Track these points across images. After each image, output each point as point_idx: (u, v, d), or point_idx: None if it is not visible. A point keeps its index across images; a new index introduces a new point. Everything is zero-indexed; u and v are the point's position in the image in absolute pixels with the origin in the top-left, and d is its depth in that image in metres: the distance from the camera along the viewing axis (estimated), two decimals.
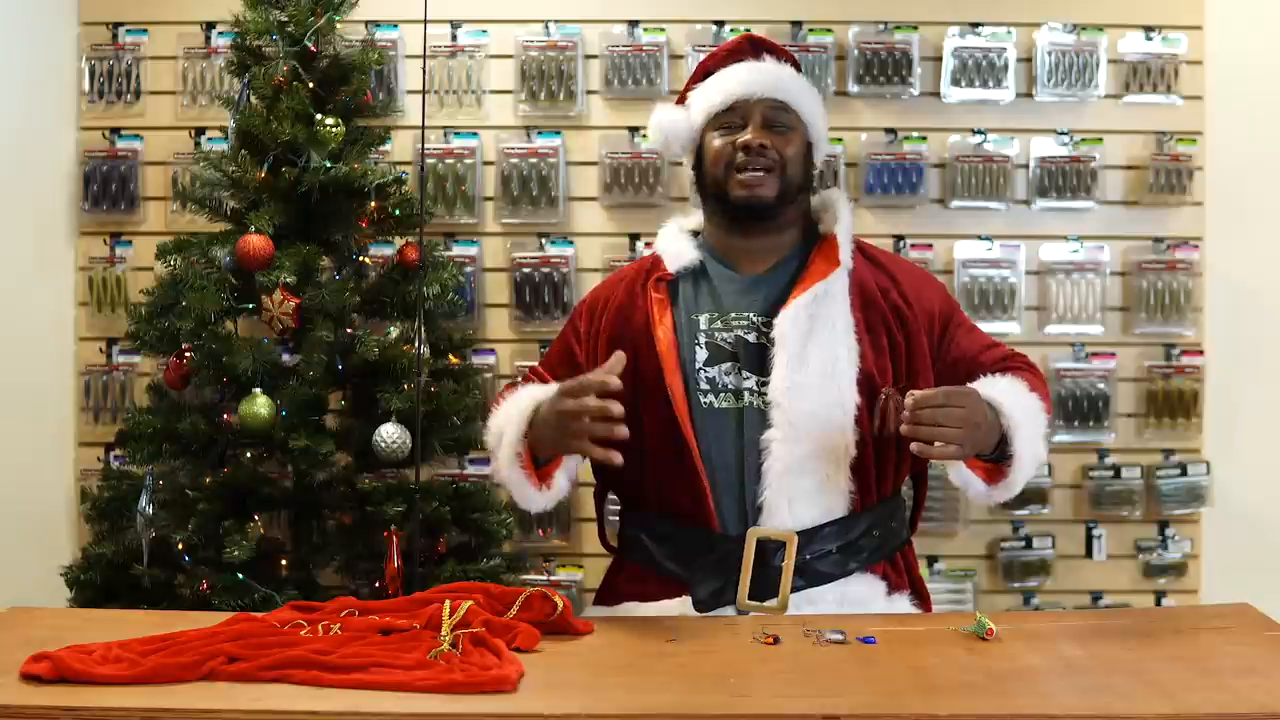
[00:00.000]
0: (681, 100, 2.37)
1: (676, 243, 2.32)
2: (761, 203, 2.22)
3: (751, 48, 2.35)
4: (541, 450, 2.13)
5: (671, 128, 2.35)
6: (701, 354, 2.19)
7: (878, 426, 2.13)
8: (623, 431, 1.97)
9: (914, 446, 1.96)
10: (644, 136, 3.48)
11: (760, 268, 2.27)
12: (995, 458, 2.11)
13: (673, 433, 2.12)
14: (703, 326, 2.21)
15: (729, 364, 2.18)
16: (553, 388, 2.10)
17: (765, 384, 2.14)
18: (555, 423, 2.04)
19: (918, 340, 2.22)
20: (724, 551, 2.11)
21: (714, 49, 2.46)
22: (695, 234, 2.37)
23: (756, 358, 2.16)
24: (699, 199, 2.39)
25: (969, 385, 2.10)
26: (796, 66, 2.36)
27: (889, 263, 2.32)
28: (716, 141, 2.26)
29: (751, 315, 2.20)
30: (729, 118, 2.26)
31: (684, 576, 2.14)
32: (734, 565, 2.07)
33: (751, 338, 2.18)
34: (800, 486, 2.11)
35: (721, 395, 2.17)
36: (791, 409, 2.11)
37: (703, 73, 2.36)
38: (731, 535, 2.12)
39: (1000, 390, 2.10)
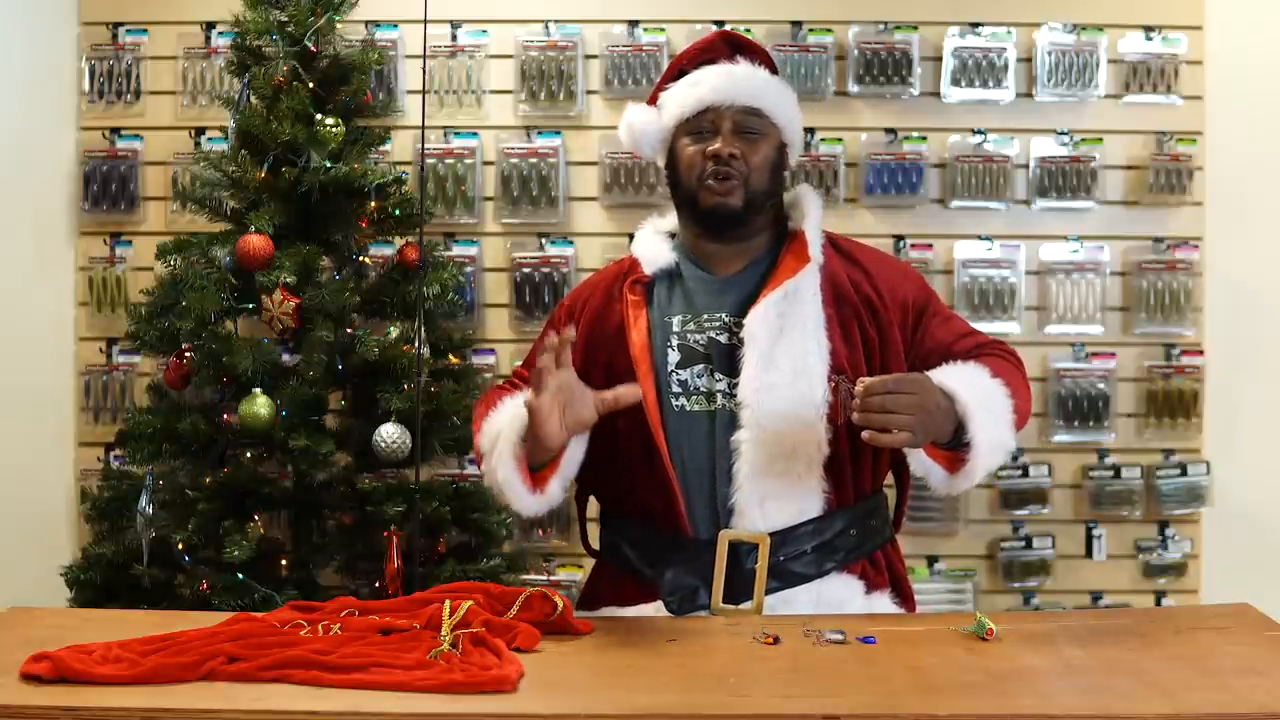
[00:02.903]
0: (654, 100, 2.33)
1: (652, 245, 2.30)
2: (729, 211, 2.20)
3: (726, 46, 2.31)
4: (533, 458, 2.11)
5: (643, 130, 2.32)
6: (674, 356, 2.17)
7: (829, 415, 2.10)
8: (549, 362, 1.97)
9: (865, 434, 1.93)
10: None
11: (733, 268, 2.25)
12: (955, 445, 2.06)
13: (644, 436, 2.10)
14: (675, 328, 2.19)
15: (701, 366, 2.15)
16: None
17: (736, 385, 2.11)
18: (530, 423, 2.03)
19: (890, 333, 2.19)
20: (696, 555, 2.08)
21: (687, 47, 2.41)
22: (672, 235, 2.35)
23: (728, 359, 2.14)
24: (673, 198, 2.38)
25: (924, 372, 2.05)
26: (771, 65, 2.33)
27: (861, 255, 2.28)
28: (689, 149, 2.23)
29: (723, 316, 2.18)
30: (700, 122, 2.23)
31: (657, 581, 2.12)
32: (707, 569, 2.05)
33: (723, 339, 2.16)
34: (771, 487, 2.09)
35: (693, 398, 2.15)
36: (760, 409, 2.08)
37: (676, 70, 2.32)
38: (703, 538, 2.09)
39: (955, 377, 2.05)
